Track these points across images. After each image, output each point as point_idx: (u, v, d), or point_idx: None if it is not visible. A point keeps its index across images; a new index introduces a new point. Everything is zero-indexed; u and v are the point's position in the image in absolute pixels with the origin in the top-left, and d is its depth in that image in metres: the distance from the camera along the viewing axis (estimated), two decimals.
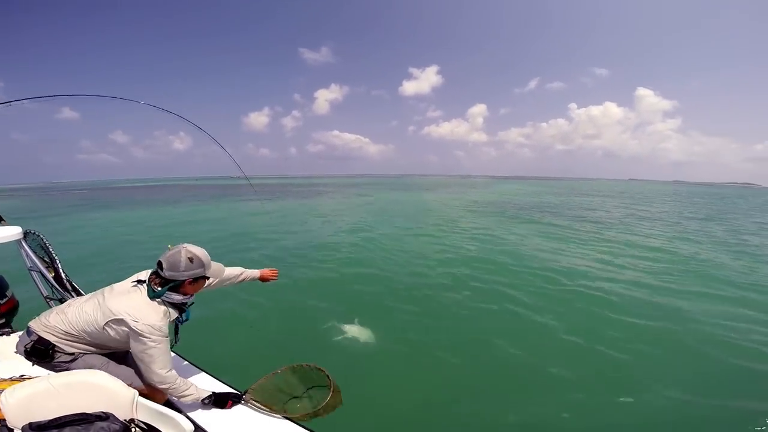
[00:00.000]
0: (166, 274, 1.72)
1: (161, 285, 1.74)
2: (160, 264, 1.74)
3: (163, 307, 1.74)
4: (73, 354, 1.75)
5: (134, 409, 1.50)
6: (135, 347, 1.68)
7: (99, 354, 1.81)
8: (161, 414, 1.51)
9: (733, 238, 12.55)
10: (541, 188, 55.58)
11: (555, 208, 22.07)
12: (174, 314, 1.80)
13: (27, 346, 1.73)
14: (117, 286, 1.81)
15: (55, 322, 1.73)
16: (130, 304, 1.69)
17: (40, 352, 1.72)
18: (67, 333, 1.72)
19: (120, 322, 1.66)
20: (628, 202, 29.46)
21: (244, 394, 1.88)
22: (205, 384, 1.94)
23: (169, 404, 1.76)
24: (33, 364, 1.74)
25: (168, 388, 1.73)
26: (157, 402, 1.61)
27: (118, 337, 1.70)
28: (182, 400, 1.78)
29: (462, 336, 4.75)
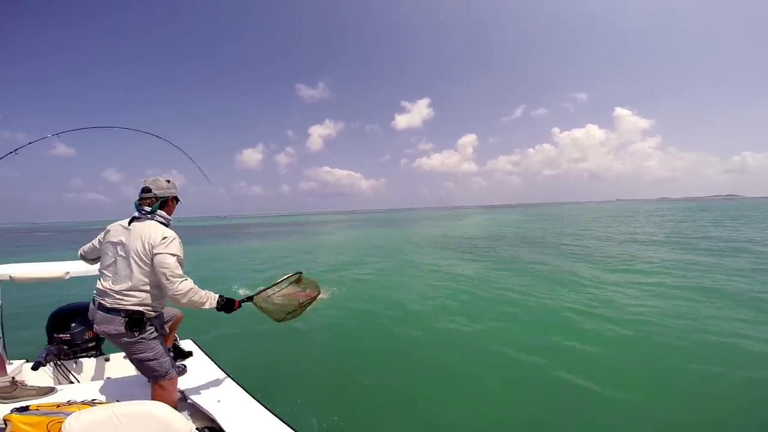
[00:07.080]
0: (157, 192, 2.00)
1: (152, 204, 2.01)
2: (146, 189, 2.00)
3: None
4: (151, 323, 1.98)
5: None
6: (164, 261, 1.85)
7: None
8: None
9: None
10: (521, 217, 53.24)
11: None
12: None
13: (125, 320, 1.88)
14: (114, 228, 2.00)
15: (118, 286, 1.89)
16: (147, 230, 1.90)
17: (136, 322, 1.91)
18: (131, 288, 1.89)
19: (156, 246, 1.87)
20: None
21: (249, 300, 2.28)
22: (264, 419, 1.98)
23: None
24: (133, 332, 1.89)
25: (194, 295, 1.90)
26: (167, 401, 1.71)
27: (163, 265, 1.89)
28: (203, 307, 1.97)
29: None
